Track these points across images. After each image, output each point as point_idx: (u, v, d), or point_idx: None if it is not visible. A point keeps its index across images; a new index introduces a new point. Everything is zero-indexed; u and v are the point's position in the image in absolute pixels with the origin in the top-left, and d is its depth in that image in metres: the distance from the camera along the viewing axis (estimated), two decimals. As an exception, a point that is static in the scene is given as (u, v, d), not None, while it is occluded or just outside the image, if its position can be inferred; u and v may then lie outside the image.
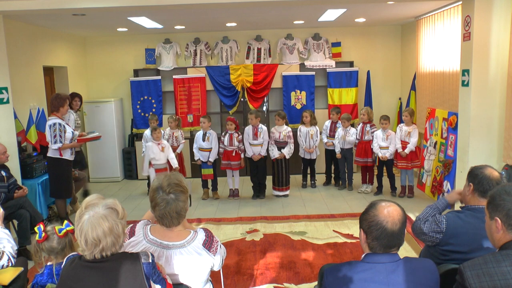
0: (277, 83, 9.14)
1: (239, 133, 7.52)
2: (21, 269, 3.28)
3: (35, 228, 2.77)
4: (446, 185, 6.62)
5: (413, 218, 6.06)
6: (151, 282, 2.10)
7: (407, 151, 7.13)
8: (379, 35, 9.34)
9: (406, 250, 5.09)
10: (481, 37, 5.42)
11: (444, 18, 7.12)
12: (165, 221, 2.40)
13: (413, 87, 8.40)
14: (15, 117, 6.29)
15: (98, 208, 2.06)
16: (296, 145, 7.90)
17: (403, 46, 9.27)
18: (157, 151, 7.16)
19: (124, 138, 9.69)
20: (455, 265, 2.53)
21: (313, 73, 9.10)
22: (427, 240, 2.81)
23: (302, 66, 9.18)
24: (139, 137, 8.81)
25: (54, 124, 6.06)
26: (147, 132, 7.85)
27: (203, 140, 7.47)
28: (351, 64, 9.27)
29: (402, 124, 7.38)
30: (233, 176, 7.69)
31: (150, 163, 7.21)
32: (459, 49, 6.00)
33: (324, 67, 9.16)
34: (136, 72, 9.37)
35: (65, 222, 2.80)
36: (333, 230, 5.91)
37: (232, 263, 4.94)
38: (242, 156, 7.50)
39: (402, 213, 2.14)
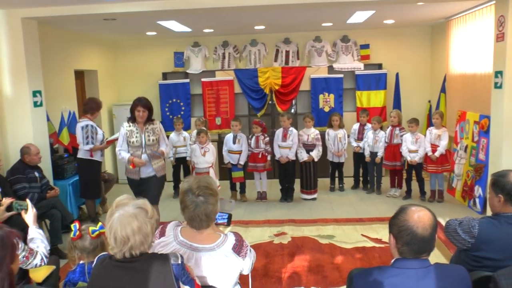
0: (305, 85, 9.10)
1: (266, 135, 7.53)
2: (53, 267, 3.37)
3: (71, 226, 2.83)
4: (478, 190, 6.50)
5: (443, 223, 5.96)
6: (180, 283, 2.10)
7: (437, 154, 7.01)
8: (409, 36, 9.21)
9: (436, 256, 4.99)
10: (515, 38, 5.30)
11: (475, 19, 6.98)
12: (194, 224, 2.41)
13: (443, 90, 8.25)
14: (48, 119, 6.45)
15: (128, 207, 2.09)
16: (324, 148, 7.86)
17: (433, 47, 9.12)
18: (198, 154, 7.23)
19: None
20: (488, 273, 2.46)
21: (342, 75, 9.05)
22: (459, 242, 2.71)
23: (331, 69, 9.13)
24: (168, 139, 8.80)
25: (87, 125, 6.21)
26: (172, 135, 7.98)
27: (234, 142, 7.48)
28: (379, 66, 9.18)
29: (432, 127, 7.25)
30: (260, 178, 7.70)
31: (193, 165, 7.38)
32: (491, 50, 5.87)
33: (353, 69, 9.10)
34: (165, 75, 9.45)
35: (99, 223, 2.85)
36: (362, 234, 5.85)
37: (260, 265, 4.93)
38: (269, 158, 7.50)
39: (433, 218, 2.11)
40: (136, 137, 5.31)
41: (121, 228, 2.03)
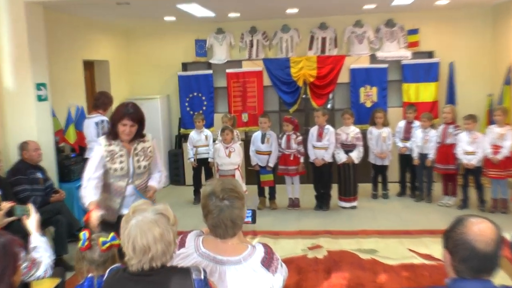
0: (344, 77, 9.07)
1: (298, 134, 7.53)
2: (58, 280, 3.41)
3: (80, 234, 2.83)
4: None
5: (509, 238, 5.81)
6: (203, 301, 2.10)
7: (500, 157, 6.86)
8: (465, 19, 9.07)
9: (502, 278, 4.83)
10: None
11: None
12: (219, 231, 2.38)
13: (507, 81, 8.10)
14: (53, 115, 6.55)
15: (147, 213, 2.10)
16: (365, 149, 7.84)
17: (495, 32, 8.93)
18: (223, 154, 7.27)
19: (171, 139, 9.91)
20: None
21: (386, 65, 8.99)
22: None
23: (373, 58, 9.09)
24: (188, 138, 8.92)
25: (102, 121, 6.31)
26: (192, 134, 8.04)
27: (262, 142, 7.53)
28: (430, 54, 9.07)
29: (493, 125, 7.13)
30: (292, 183, 7.70)
31: (217, 167, 7.39)
32: None
33: (399, 58, 9.03)
34: (185, 66, 9.54)
35: (112, 234, 2.85)
36: (409, 249, 5.79)
37: (292, 283, 4.88)
38: (302, 160, 7.49)
39: (496, 231, 2.04)
40: (121, 162, 4.15)
41: (141, 236, 2.04)
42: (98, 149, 4.17)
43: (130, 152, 4.16)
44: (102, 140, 4.17)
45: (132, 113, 4.04)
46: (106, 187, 4.21)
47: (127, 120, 4.02)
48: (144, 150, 4.23)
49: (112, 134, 4.13)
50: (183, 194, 8.72)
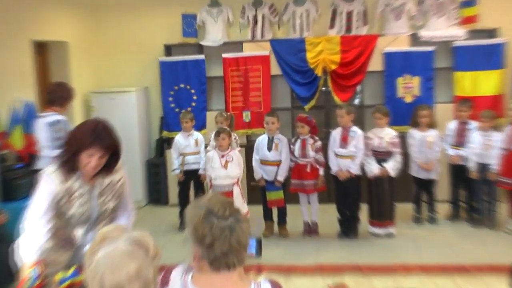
0: (376, 64, 9.07)
1: (317, 138, 7.52)
2: None
3: (28, 271, 2.90)
4: None
5: None
6: None
7: None
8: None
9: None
10: None
11: None
12: (230, 259, 2.34)
13: None
14: (-8, 113, 6.55)
15: (119, 242, 2.08)
16: (405, 158, 7.80)
17: None
18: (217, 165, 7.22)
19: (150, 145, 9.95)
20: None
21: (432, 48, 8.93)
22: None
23: (415, 38, 9.09)
24: (172, 143, 8.77)
25: (58, 121, 6.28)
26: (178, 137, 8.12)
27: (269, 148, 7.52)
28: (492, 33, 9.04)
29: None
30: (309, 203, 7.68)
31: (210, 182, 7.38)
32: None
33: (449, 38, 9.01)
34: (169, 49, 9.59)
35: (73, 268, 2.87)
36: (465, 291, 5.72)
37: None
38: (321, 172, 7.48)
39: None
40: (81, 204, 3.77)
41: (112, 272, 2.00)
42: (48, 185, 3.66)
43: (93, 191, 3.78)
44: (54, 174, 3.66)
45: (104, 139, 3.57)
46: (54, 234, 3.74)
47: (96, 150, 3.56)
48: (113, 185, 3.86)
49: (69, 166, 3.64)
50: (165, 217, 8.72)
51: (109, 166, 3.72)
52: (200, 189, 8.13)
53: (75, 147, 3.53)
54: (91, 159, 3.53)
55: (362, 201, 7.59)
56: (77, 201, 3.68)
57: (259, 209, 7.81)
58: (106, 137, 3.55)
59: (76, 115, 8.82)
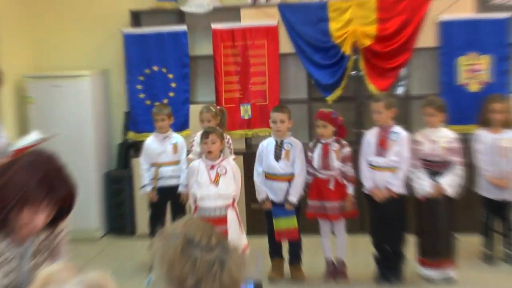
0: (426, 38, 9.01)
1: (344, 142, 7.45)
2: None
3: None
4: None
5: None
6: None
7: None
8: None
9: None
10: None
11: None
12: None
13: None
14: None
15: (68, 287, 2.04)
16: (469, 170, 7.67)
17: None
18: (204, 179, 7.08)
19: (110, 152, 10.02)
20: None
21: (508, 15, 8.76)
22: None
23: (482, 2, 8.99)
24: (142, 148, 8.77)
25: None
26: (150, 141, 8.06)
27: (277, 157, 7.44)
28: None
29: None
30: (333, 233, 7.64)
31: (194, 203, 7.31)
32: None
33: None
34: (137, 18, 9.64)
35: None
36: None
37: None
38: (351, 191, 7.42)
39: None
40: (6, 273, 3.61)
41: None
42: None
43: (26, 253, 3.56)
44: None
45: (60, 190, 3.28)
46: None
47: (46, 206, 3.28)
48: (52, 239, 3.64)
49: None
50: (131, 253, 8.78)
51: (55, 219, 3.45)
52: (180, 213, 7.89)
53: (14, 201, 3.21)
54: (35, 218, 3.27)
55: (408, 232, 7.45)
56: (3, 268, 3.49)
57: (263, 241, 7.79)
58: (61, 186, 3.28)
59: (6, 111, 8.78)
